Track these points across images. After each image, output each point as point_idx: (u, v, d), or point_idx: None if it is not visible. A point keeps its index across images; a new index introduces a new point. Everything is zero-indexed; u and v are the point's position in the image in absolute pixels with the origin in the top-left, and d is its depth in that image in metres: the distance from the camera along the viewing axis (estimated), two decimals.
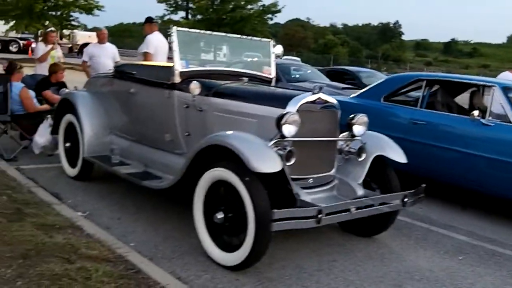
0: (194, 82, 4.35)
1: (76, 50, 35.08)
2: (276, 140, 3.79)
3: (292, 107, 3.92)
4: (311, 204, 3.81)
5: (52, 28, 9.32)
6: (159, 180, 4.59)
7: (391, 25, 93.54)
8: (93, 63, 8.29)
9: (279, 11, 28.36)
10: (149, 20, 8.24)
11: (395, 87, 6.29)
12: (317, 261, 4.03)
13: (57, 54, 8.58)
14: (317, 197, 4.05)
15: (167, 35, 7.01)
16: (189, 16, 26.21)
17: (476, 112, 5.46)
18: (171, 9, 26.36)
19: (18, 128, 6.43)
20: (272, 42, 5.30)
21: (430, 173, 5.71)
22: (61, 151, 5.90)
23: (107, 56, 8.28)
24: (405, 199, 4.19)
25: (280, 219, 3.42)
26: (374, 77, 13.28)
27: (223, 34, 5.26)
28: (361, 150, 4.30)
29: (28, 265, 3.05)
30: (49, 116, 6.27)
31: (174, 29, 4.58)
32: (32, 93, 6.66)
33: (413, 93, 6.56)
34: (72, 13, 25.99)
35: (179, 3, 26.31)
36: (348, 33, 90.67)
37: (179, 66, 4.58)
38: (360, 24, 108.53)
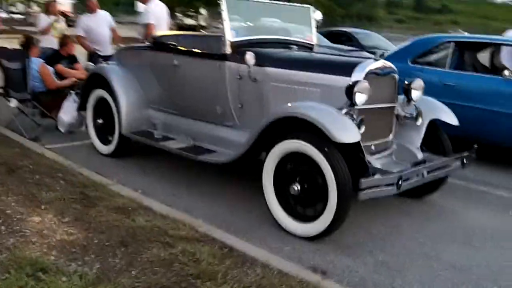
0: (250, 52, 4.26)
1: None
2: (348, 109, 3.77)
3: (358, 75, 3.89)
4: (383, 171, 3.84)
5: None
6: (214, 154, 4.53)
7: None
8: (90, 35, 7.79)
9: None
10: None
11: (423, 50, 6.29)
12: (383, 225, 4.09)
13: (61, 25, 8.23)
14: (380, 163, 4.07)
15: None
16: None
17: (507, 72, 5.52)
18: None
19: (39, 106, 6.22)
20: (312, 8, 5.21)
21: (464, 133, 5.78)
22: (90, 128, 5.75)
23: (103, 25, 7.83)
24: (464, 161, 4.25)
25: (365, 188, 3.44)
26: (370, 38, 13.23)
27: (268, 1, 5.13)
28: (418, 115, 4.32)
29: (133, 253, 3.00)
30: (72, 91, 6.09)
31: None
32: (51, 69, 6.43)
33: (436, 55, 6.55)
34: None
35: None
36: None
37: (229, 36, 4.47)
38: None
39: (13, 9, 35.32)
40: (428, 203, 4.61)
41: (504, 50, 6.51)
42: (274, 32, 4.98)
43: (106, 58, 7.68)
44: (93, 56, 7.81)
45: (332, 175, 3.47)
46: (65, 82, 6.44)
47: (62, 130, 5.95)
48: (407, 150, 4.31)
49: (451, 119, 4.48)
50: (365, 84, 3.76)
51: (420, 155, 4.26)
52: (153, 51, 5.19)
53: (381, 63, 4.08)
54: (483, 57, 6.83)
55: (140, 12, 7.55)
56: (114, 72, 5.41)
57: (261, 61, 4.32)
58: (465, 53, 6.24)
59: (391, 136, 4.31)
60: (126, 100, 5.25)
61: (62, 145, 5.87)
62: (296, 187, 3.70)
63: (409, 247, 3.71)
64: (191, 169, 5.08)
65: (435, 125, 4.49)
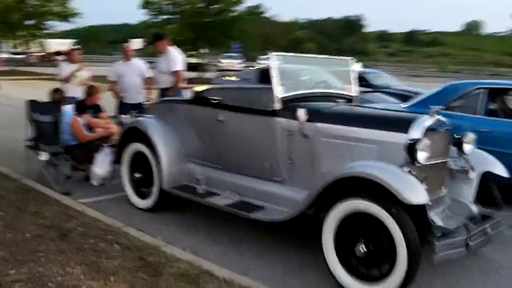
0: (301, 109, 4.25)
1: (48, 59, 34.08)
2: (410, 167, 3.74)
3: (416, 132, 3.87)
4: (448, 230, 3.79)
5: (78, 46, 8.87)
6: (264, 211, 4.45)
7: (354, 18, 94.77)
8: (122, 83, 7.95)
9: (263, 12, 28.41)
10: (160, 37, 7.89)
11: (455, 95, 6.32)
12: (444, 282, 4.00)
13: (84, 74, 8.24)
14: (438, 219, 4.02)
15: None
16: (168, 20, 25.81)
17: None
18: (154, 13, 25.75)
19: (70, 159, 6.15)
20: (352, 60, 5.24)
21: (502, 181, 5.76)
22: (126, 182, 5.68)
23: (135, 74, 7.92)
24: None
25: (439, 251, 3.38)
26: (381, 77, 13.36)
27: (311, 55, 5.16)
28: (471, 168, 4.30)
29: None
30: (104, 144, 6.04)
31: (273, 54, 4.46)
32: (81, 121, 6.39)
33: (468, 101, 6.57)
34: (46, 22, 25.03)
35: (163, 8, 25.71)
36: (313, 28, 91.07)
37: (279, 92, 4.46)
38: (322, 18, 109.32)
39: (12, 49, 35.51)
40: (482, 256, 4.50)
41: None
42: (317, 85, 4.97)
43: (132, 107, 7.77)
44: (121, 104, 7.86)
45: (402, 237, 3.42)
46: (95, 135, 6.39)
47: (95, 184, 5.87)
48: (461, 203, 4.27)
49: (502, 171, 4.46)
50: (427, 142, 3.74)
51: (475, 209, 4.22)
52: (194, 105, 5.16)
53: (436, 118, 4.07)
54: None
55: (162, 58, 7.59)
56: (152, 126, 5.36)
57: (312, 116, 4.31)
58: (496, 99, 6.27)
59: (444, 190, 4.26)
60: (167, 154, 5.19)
61: (95, 199, 5.80)
62: (362, 248, 3.63)
63: None
64: (236, 225, 4.99)
65: (485, 177, 4.46)
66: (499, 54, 73.62)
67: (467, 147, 4.31)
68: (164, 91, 7.57)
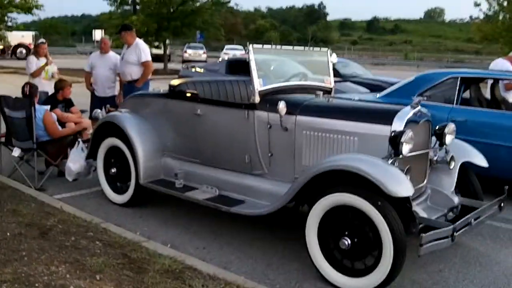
0: (282, 101, 4.21)
1: (9, 52, 33.06)
2: (393, 159, 3.76)
3: (399, 123, 3.89)
4: (433, 221, 3.83)
5: (43, 40, 8.59)
6: (245, 204, 4.41)
7: (316, 6, 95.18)
8: (93, 74, 7.84)
9: (229, 1, 28.14)
10: (128, 27, 7.78)
11: (428, 85, 6.38)
12: (427, 273, 4.05)
13: (52, 68, 7.99)
14: (421, 210, 4.06)
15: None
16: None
17: None
18: (115, 4, 25.24)
19: (44, 155, 5.97)
20: (329, 51, 5.22)
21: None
22: (102, 178, 5.55)
23: (107, 67, 7.81)
24: (502, 204, 4.29)
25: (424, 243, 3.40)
26: (349, 66, 13.34)
27: (288, 47, 5.11)
28: (451, 159, 4.35)
29: None
30: (79, 139, 5.88)
31: (251, 46, 4.39)
32: (54, 116, 6.19)
33: (442, 90, 6.65)
34: (9, 14, 24.24)
35: None
36: (274, 17, 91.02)
37: (258, 85, 4.40)
38: (284, 7, 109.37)
39: None
40: (462, 246, 4.56)
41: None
42: (295, 77, 4.94)
43: (102, 100, 7.62)
44: (92, 97, 7.72)
45: (388, 229, 3.43)
46: (67, 130, 6.21)
47: (70, 179, 5.70)
48: (442, 194, 4.32)
49: (482, 161, 4.53)
50: (411, 133, 3.75)
51: (456, 200, 4.28)
52: (171, 99, 5.05)
53: (417, 109, 4.09)
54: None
55: (130, 49, 7.44)
56: (128, 120, 5.24)
57: (292, 109, 4.27)
58: (470, 88, 6.37)
59: (425, 181, 4.31)
60: (143, 148, 5.09)
61: (70, 194, 5.71)
62: (347, 241, 3.63)
63: None
64: (215, 219, 4.94)
65: (465, 168, 4.52)
66: (460, 41, 75.23)
67: (448, 138, 4.35)
68: (131, 83, 7.43)
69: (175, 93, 5.03)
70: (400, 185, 3.49)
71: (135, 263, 3.61)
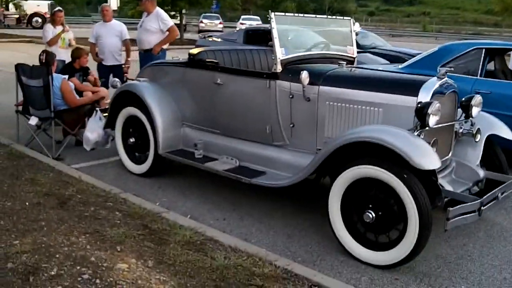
0: (305, 71, 4.10)
1: (25, 21, 32.93)
2: (419, 131, 3.66)
3: (425, 95, 3.78)
4: (459, 195, 3.75)
5: (59, 8, 8.49)
6: (266, 176, 4.36)
7: None
8: (99, 44, 7.68)
9: None
10: None
11: (451, 56, 6.21)
12: (450, 247, 3.99)
13: (69, 36, 7.92)
14: (446, 183, 3.97)
15: None
16: None
17: None
18: None
19: (62, 123, 5.95)
20: (352, 20, 5.07)
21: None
22: (120, 147, 5.52)
23: (113, 35, 7.66)
24: None
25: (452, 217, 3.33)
26: (368, 37, 13.10)
27: (310, 16, 4.97)
28: (477, 131, 4.24)
29: None
30: (97, 108, 5.83)
31: (273, 14, 4.27)
32: (71, 85, 6.14)
33: (465, 62, 6.47)
34: None
35: None
36: None
37: (280, 54, 4.29)
38: None
39: None
40: (486, 220, 4.48)
41: None
42: (317, 46, 4.82)
43: (110, 69, 7.53)
44: (100, 66, 7.61)
45: (413, 202, 3.35)
46: (86, 100, 6.16)
47: (88, 149, 5.68)
48: (467, 167, 4.22)
49: (508, 134, 4.41)
50: (438, 105, 3.64)
51: (481, 173, 4.17)
52: (190, 67, 4.96)
53: (444, 80, 3.97)
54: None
55: (150, 17, 7.33)
56: (147, 89, 5.17)
57: (315, 79, 4.17)
58: (495, 60, 6.19)
59: (450, 154, 4.21)
60: (162, 118, 5.03)
61: (88, 164, 5.68)
62: (371, 214, 3.57)
63: (487, 273, 3.61)
64: (234, 190, 4.91)
65: (491, 141, 4.41)
66: (478, 13, 73.65)
67: (475, 110, 4.22)
68: (148, 52, 7.34)
69: (194, 61, 4.94)
70: (426, 157, 3.40)
71: (156, 234, 3.58)
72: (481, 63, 5.96)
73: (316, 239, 4.04)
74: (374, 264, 3.60)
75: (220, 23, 38.33)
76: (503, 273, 3.63)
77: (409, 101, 3.80)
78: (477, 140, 4.25)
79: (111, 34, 7.64)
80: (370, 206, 3.59)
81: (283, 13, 4.45)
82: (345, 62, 4.57)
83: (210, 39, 12.44)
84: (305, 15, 4.94)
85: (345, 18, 5.10)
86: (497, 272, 3.64)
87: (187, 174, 5.37)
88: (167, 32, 7.28)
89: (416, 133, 3.63)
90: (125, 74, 7.42)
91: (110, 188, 4.60)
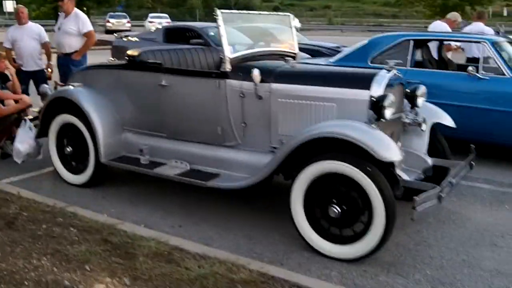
0: (256, 69, 4.04)
1: None
2: (375, 123, 3.72)
3: (377, 88, 3.84)
4: (416, 184, 3.86)
5: None
6: (220, 178, 4.24)
7: None
8: (16, 49, 7.11)
9: None
10: None
11: (381, 48, 6.41)
12: (407, 235, 4.10)
13: None
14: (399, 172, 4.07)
15: None
16: None
17: (471, 68, 5.81)
18: None
19: None
20: (291, 16, 5.07)
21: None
22: (55, 158, 5.19)
23: (32, 38, 7.13)
24: (472, 163, 4.39)
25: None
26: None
27: (253, 12, 4.90)
28: (423, 121, 4.39)
29: None
30: (26, 118, 5.44)
31: (219, 12, 4.16)
32: None
33: (395, 53, 6.68)
34: None
35: None
36: None
37: (229, 52, 4.20)
38: None
39: None
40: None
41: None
42: (260, 43, 4.76)
43: (31, 74, 7.06)
44: (19, 73, 7.08)
45: (378, 194, 3.41)
46: (12, 109, 5.70)
47: (19, 161, 5.28)
48: (415, 156, 4.35)
49: (450, 122, 4.60)
50: (393, 97, 3.72)
51: (430, 161, 4.33)
52: (131, 70, 4.73)
53: (393, 72, 4.07)
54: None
55: (69, 19, 6.94)
56: (83, 95, 4.87)
57: (266, 77, 4.11)
58: (422, 50, 6.47)
59: (399, 144, 4.32)
60: (102, 124, 4.77)
61: (19, 178, 5.30)
62: (336, 209, 3.58)
63: (447, 257, 3.74)
64: (184, 195, 4.77)
65: (433, 129, 4.58)
66: (377, 5, 77.07)
67: (420, 100, 4.37)
68: (68, 56, 6.95)
69: (135, 63, 4.71)
70: (389, 150, 3.47)
71: (120, 249, 3.38)
72: (410, 53, 6.20)
73: (277, 237, 4.00)
74: (341, 258, 3.62)
75: (128, 21, 37.34)
76: (460, 255, 3.79)
77: (362, 95, 3.84)
78: (423, 129, 4.39)
79: (28, 37, 7.12)
80: (334, 201, 3.61)
81: (228, 11, 4.34)
82: (291, 58, 4.55)
83: (126, 39, 12.04)
84: (249, 12, 4.86)
85: (285, 14, 5.09)
86: (455, 255, 3.79)
87: (129, 182, 5.15)
88: (85, 38, 6.94)
89: (373, 126, 3.69)
90: (52, 80, 6.96)
91: (54, 202, 4.31)
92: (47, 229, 3.64)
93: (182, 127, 4.56)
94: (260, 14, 4.93)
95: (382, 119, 3.73)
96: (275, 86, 4.12)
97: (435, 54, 7.00)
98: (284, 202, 3.78)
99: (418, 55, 6.45)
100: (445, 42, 7.39)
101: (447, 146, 4.62)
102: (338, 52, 7.96)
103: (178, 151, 4.58)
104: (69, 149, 5.05)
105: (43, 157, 5.43)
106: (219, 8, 4.26)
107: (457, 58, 8.31)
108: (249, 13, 4.87)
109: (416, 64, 6.33)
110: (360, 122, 3.67)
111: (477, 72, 5.80)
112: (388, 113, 3.71)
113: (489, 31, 8.24)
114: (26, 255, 3.20)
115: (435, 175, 4.30)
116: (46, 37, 7.28)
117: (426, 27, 10.28)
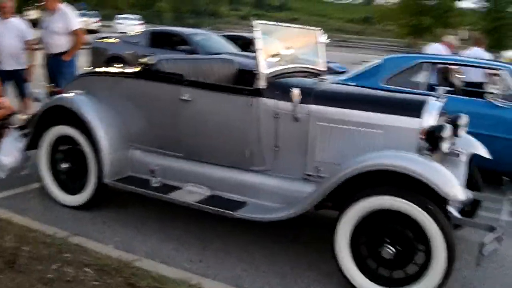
0: (296, 88, 3.63)
1: None
2: (430, 155, 3.38)
3: (429, 116, 3.51)
4: (471, 222, 3.55)
5: None
6: (248, 207, 3.78)
7: None
8: None
9: None
10: None
11: (397, 70, 6.11)
12: (453, 278, 3.73)
13: None
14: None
15: None
16: None
17: (490, 95, 5.59)
18: None
19: None
20: (320, 31, 4.68)
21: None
22: (46, 174, 4.60)
23: (13, 35, 6.48)
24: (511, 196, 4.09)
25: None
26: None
27: (286, 24, 4.45)
28: (462, 151, 4.07)
29: None
30: (11, 127, 4.83)
31: (256, 23, 3.73)
32: None
33: (411, 76, 6.38)
34: None
35: None
36: None
37: (264, 68, 3.76)
38: None
39: None
40: (461, 239, 4.31)
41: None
42: (292, 59, 4.34)
43: (11, 74, 6.46)
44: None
45: (441, 234, 3.05)
46: None
47: (3, 176, 4.66)
48: None
49: (486, 153, 4.31)
50: (451, 129, 3.38)
51: (469, 194, 4.01)
52: (145, 80, 4.22)
53: (443, 101, 3.75)
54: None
55: (55, 17, 6.39)
56: (86, 104, 4.32)
57: (304, 97, 3.70)
58: (440, 74, 6.21)
59: None
60: (108, 139, 4.23)
61: (4, 195, 4.68)
62: (390, 249, 3.20)
63: None
64: (194, 223, 4.29)
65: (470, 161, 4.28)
66: (343, 21, 78.02)
67: (462, 130, 4.04)
68: (58, 56, 6.39)
69: (150, 72, 4.20)
70: (454, 187, 3.11)
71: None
72: (426, 77, 5.92)
73: (312, 277, 3.58)
74: None
75: (96, 21, 36.22)
76: None
77: (412, 123, 3.49)
78: (462, 160, 4.08)
79: (10, 33, 6.46)
80: (388, 240, 3.22)
81: (265, 22, 3.92)
82: (323, 76, 4.16)
83: (104, 41, 11.44)
84: (283, 23, 4.43)
85: (312, 28, 4.70)
86: None
87: (131, 205, 4.61)
88: (74, 35, 6.41)
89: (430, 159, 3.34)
90: (42, 84, 6.34)
91: (54, 231, 3.73)
92: (58, 271, 3.06)
93: (204, 148, 4.07)
94: (289, 27, 4.49)
95: (437, 151, 3.38)
96: (315, 107, 3.71)
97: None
98: (311, 235, 3.36)
99: (433, 79, 6.18)
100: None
101: (480, 179, 4.33)
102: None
103: (196, 174, 4.09)
104: (64, 165, 4.48)
105: (29, 172, 4.83)
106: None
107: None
108: (283, 25, 4.42)
109: (431, 88, 6.04)
110: (418, 154, 3.32)
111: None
112: (446, 146, 3.37)
113: (489, 56, 8.11)
114: None
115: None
116: (29, 34, 6.64)
117: (396, 46, 10.01)
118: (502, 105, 5.55)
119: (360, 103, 3.69)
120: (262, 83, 3.75)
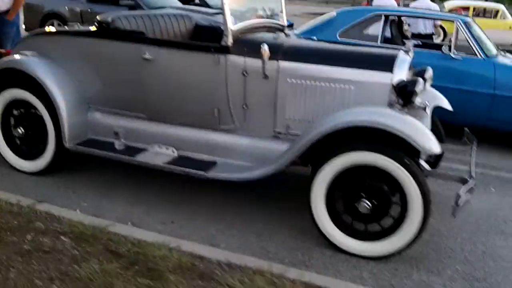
0: (265, 44, 3.54)
1: None
2: (401, 109, 3.43)
3: (401, 71, 3.53)
4: (444, 175, 3.69)
5: None
6: (217, 167, 3.73)
7: None
8: None
9: None
10: None
11: (351, 23, 6.10)
12: None
13: None
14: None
15: None
16: None
17: (445, 47, 5.70)
18: None
19: None
20: None
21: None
22: (0, 141, 4.36)
23: None
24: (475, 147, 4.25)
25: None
26: None
27: None
28: (427, 104, 4.15)
29: None
30: None
31: None
32: None
33: (365, 28, 6.38)
34: None
35: None
36: None
37: (231, 23, 3.64)
38: None
39: None
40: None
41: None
42: (255, 14, 4.22)
43: None
44: None
45: (417, 188, 3.12)
46: None
47: None
48: None
49: (448, 105, 4.43)
50: (422, 83, 3.43)
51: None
52: (102, 38, 3.99)
53: (412, 54, 3.78)
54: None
55: None
56: (40, 66, 4.07)
57: (273, 53, 3.62)
58: (392, 27, 6.25)
59: None
60: (66, 102, 4.03)
61: None
62: (367, 204, 3.26)
63: (466, 249, 3.57)
64: (160, 183, 4.20)
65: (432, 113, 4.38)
66: None
67: (428, 83, 4.11)
68: (1, 15, 5.93)
69: (108, 31, 3.98)
70: (430, 141, 3.18)
71: (138, 264, 2.77)
72: (381, 29, 5.96)
73: (286, 233, 3.62)
74: (370, 256, 3.32)
75: None
76: (478, 245, 3.64)
77: (384, 77, 3.51)
78: (427, 112, 4.16)
79: None
80: (363, 195, 3.28)
81: None
82: (282, 32, 4.10)
83: None
84: None
85: None
86: (473, 246, 3.63)
87: (93, 170, 4.45)
88: None
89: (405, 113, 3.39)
90: None
91: (18, 200, 3.55)
92: (34, 241, 2.92)
93: (169, 108, 3.94)
94: None
95: (409, 105, 3.43)
96: (285, 64, 3.65)
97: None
98: (282, 192, 3.37)
99: (387, 32, 6.23)
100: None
101: (443, 130, 4.46)
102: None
103: (161, 134, 3.98)
104: (20, 131, 4.24)
105: None
106: None
107: None
108: None
109: (385, 40, 6.11)
110: (392, 109, 3.35)
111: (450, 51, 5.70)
112: (419, 100, 3.42)
113: (435, 7, 8.24)
114: (26, 283, 2.51)
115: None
116: None
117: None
118: (456, 57, 5.68)
119: (331, 59, 3.66)
120: (229, 40, 3.63)
